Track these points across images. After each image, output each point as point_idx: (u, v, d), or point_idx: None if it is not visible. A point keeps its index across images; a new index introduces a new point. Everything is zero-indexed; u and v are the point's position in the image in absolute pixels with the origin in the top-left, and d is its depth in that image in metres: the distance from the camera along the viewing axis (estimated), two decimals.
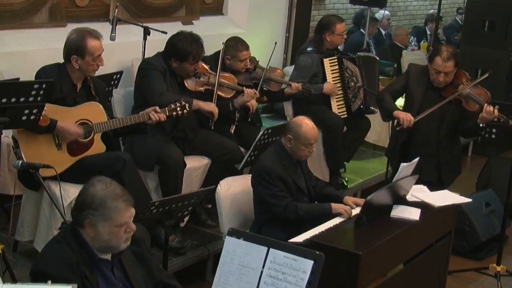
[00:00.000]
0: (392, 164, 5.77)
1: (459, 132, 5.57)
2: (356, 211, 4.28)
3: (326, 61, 6.33)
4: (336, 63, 6.39)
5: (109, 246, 3.03)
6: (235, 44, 5.74)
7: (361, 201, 4.42)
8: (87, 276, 2.94)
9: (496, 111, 5.09)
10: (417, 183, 4.67)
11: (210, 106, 5.19)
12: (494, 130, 5.18)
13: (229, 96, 5.48)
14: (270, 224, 4.44)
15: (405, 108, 5.55)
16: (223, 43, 5.61)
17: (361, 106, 6.50)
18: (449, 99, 5.31)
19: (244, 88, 5.51)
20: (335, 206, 4.37)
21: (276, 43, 5.95)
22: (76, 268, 2.93)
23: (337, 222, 4.20)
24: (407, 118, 5.33)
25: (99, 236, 2.99)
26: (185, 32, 5.22)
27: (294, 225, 4.30)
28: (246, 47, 5.76)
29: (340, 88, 6.41)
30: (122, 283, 3.08)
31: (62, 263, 2.92)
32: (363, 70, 6.51)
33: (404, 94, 5.68)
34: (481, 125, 5.20)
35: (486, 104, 5.16)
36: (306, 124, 4.48)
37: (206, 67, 5.40)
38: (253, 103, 5.61)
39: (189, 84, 5.26)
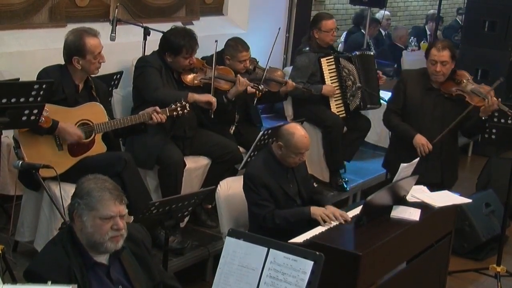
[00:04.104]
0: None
1: (463, 132, 5.56)
2: (356, 211, 4.27)
3: (323, 61, 6.32)
4: (333, 62, 6.38)
5: (93, 241, 2.99)
6: (235, 45, 5.72)
7: (339, 213, 4.24)
8: (78, 280, 2.92)
9: (497, 101, 5.11)
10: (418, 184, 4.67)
11: (207, 97, 5.15)
12: (494, 130, 5.18)
13: (227, 89, 5.46)
14: (261, 231, 4.23)
15: (406, 112, 5.45)
16: (216, 41, 5.57)
17: (360, 104, 6.48)
18: (468, 102, 5.24)
19: (237, 76, 5.44)
20: (314, 211, 4.25)
21: (280, 28, 5.90)
22: (67, 272, 2.93)
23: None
24: (424, 148, 5.27)
25: (84, 228, 2.99)
26: (178, 27, 5.26)
27: (282, 233, 4.09)
28: (246, 48, 5.73)
29: (338, 88, 6.41)
30: (122, 285, 3.07)
31: (53, 267, 2.93)
32: (360, 68, 6.50)
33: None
34: (483, 117, 5.19)
35: (490, 95, 5.16)
36: (299, 132, 4.38)
37: (202, 61, 5.39)
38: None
39: (186, 78, 5.26)
